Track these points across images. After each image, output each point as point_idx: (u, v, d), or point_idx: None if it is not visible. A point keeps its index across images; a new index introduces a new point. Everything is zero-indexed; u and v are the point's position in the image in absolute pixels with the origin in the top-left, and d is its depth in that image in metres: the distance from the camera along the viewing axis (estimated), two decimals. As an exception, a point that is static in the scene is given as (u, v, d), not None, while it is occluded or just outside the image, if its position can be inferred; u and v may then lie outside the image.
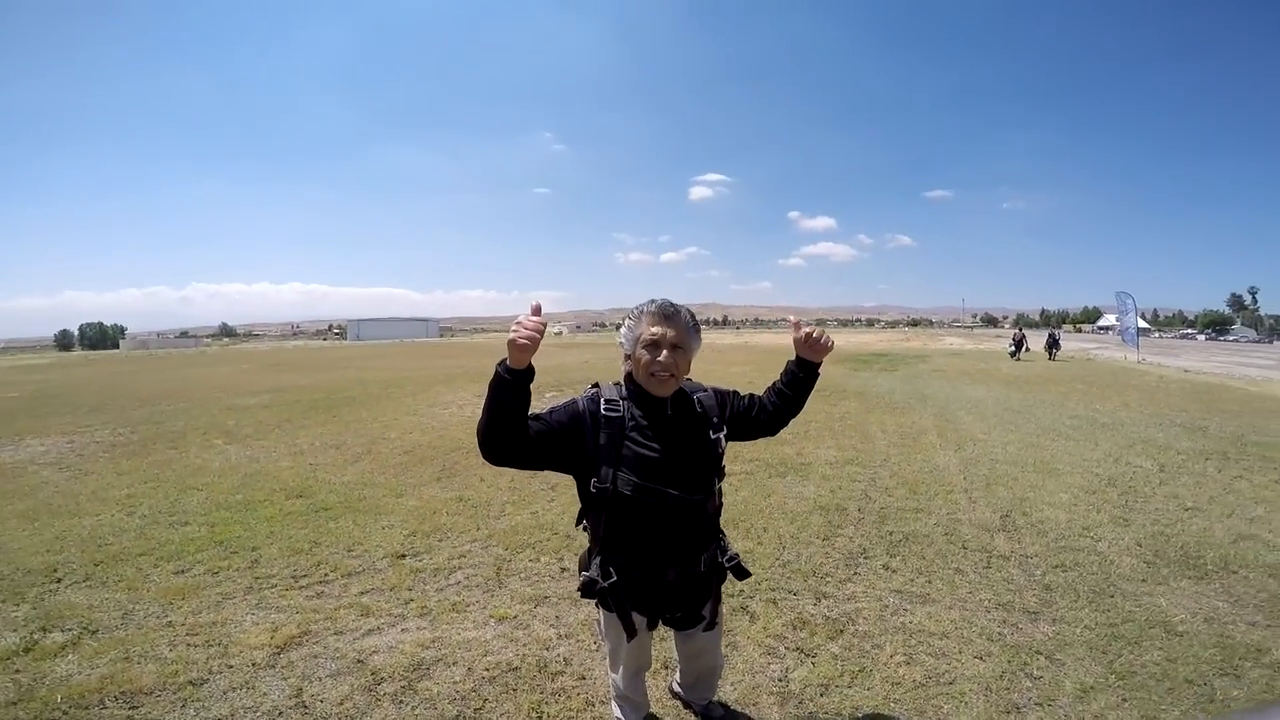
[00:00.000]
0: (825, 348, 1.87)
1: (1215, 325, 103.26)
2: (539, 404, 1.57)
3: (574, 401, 1.74)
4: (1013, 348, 23.59)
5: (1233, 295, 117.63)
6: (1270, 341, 70.66)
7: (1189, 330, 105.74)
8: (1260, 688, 2.43)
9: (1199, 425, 8.32)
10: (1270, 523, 4.37)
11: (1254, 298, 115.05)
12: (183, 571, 3.53)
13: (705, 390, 1.89)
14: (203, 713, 2.29)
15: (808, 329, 1.86)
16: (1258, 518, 4.48)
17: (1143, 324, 27.96)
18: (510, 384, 1.50)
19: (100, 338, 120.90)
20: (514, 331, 1.47)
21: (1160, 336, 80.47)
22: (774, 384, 1.97)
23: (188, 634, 2.84)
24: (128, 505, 4.73)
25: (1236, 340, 70.37)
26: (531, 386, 1.55)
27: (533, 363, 1.52)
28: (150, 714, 2.28)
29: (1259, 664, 2.60)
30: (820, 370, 1.94)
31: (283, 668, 2.58)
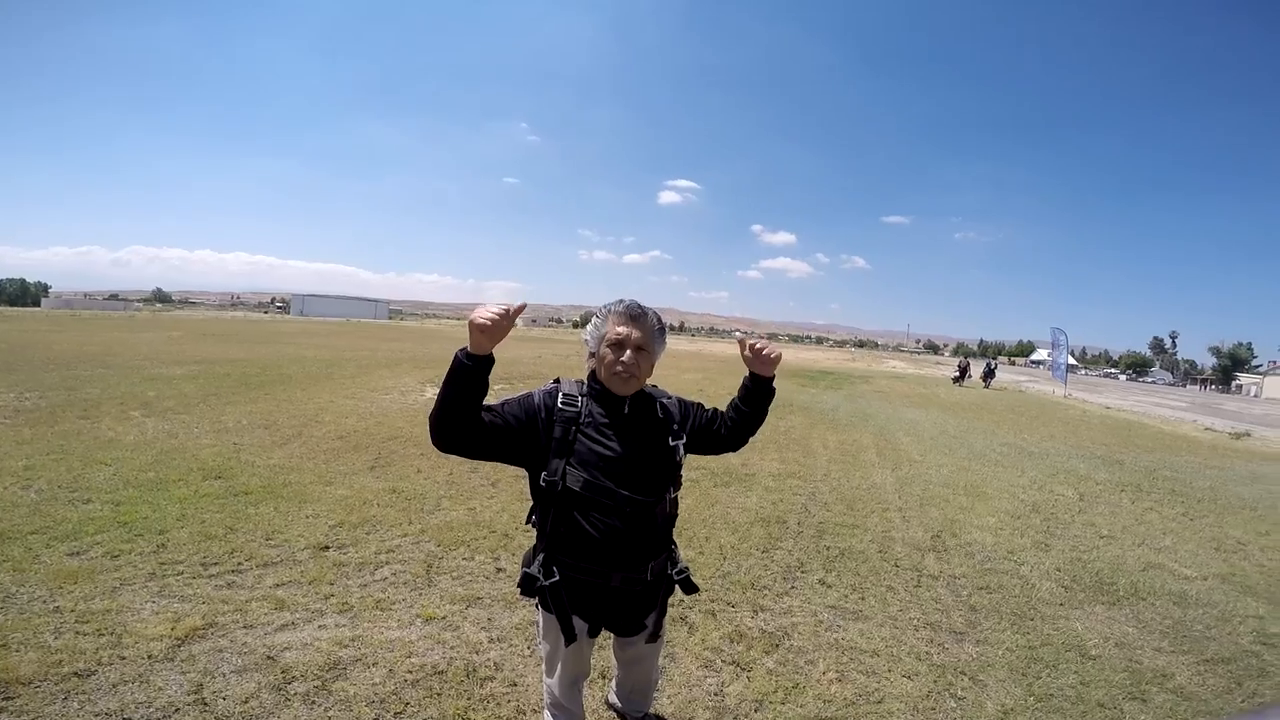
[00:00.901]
0: (771, 360, 1.84)
1: (1136, 367, 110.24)
2: (489, 395, 1.50)
3: (530, 395, 1.73)
4: (957, 374, 25.64)
5: (1155, 338, 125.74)
6: (1184, 385, 75.88)
7: (1112, 370, 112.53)
8: (1164, 712, 2.55)
9: (1116, 459, 8.83)
10: (1177, 553, 4.65)
11: (1174, 342, 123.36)
12: (78, 553, 3.23)
13: (670, 398, 1.88)
14: (88, 707, 2.08)
15: (752, 343, 1.84)
16: (1165, 548, 4.77)
17: (1071, 361, 29.70)
18: (469, 370, 1.48)
19: (21, 294, 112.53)
20: (477, 313, 1.46)
21: (1086, 374, 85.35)
22: (733, 400, 1.95)
23: (77, 621, 2.59)
24: (24, 478, 4.32)
25: (1154, 382, 75.37)
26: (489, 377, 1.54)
27: (493, 353, 1.52)
28: (27, 706, 2.06)
29: (1164, 689, 2.74)
30: (774, 385, 1.91)
31: (182, 661, 2.38)
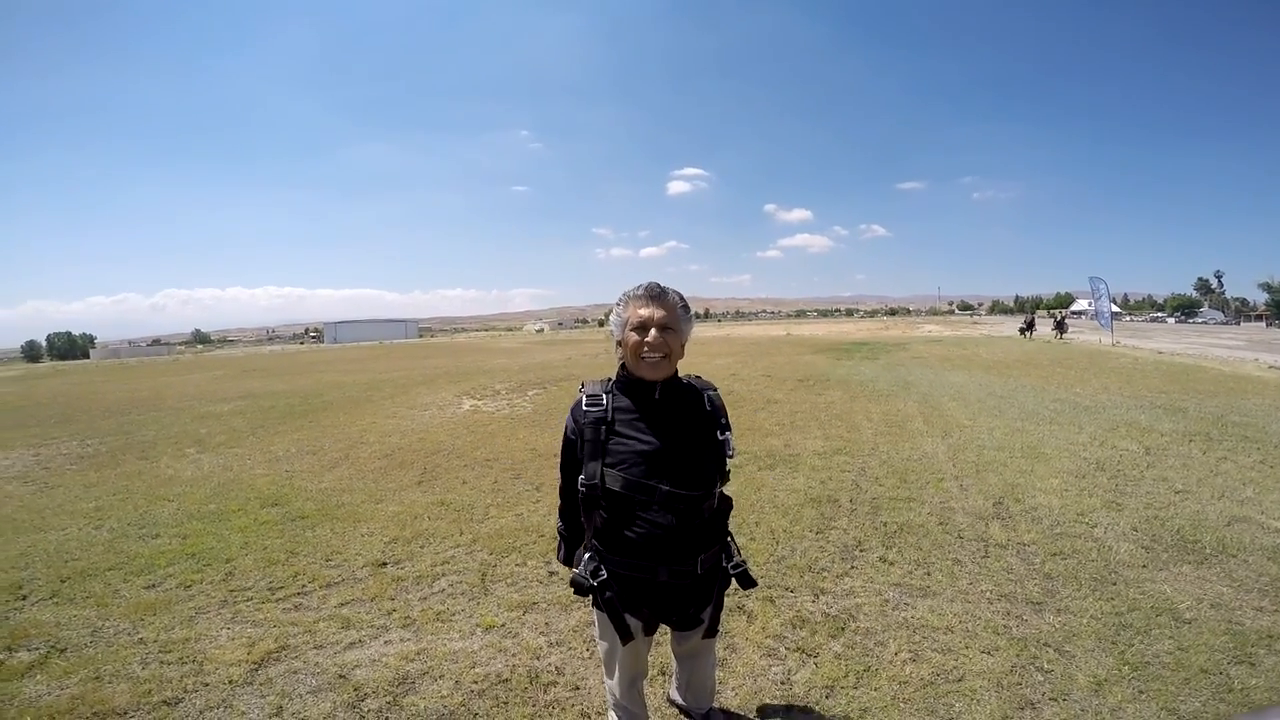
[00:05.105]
0: None
1: (1184, 308, 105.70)
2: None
3: (564, 431, 1.77)
4: (1024, 327, 29.16)
5: (1200, 279, 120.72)
6: (1237, 323, 72.32)
7: (1159, 313, 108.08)
8: (1277, 676, 2.37)
9: (1179, 406, 8.41)
10: (1261, 504, 4.36)
11: (1219, 281, 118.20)
12: (154, 586, 3.37)
13: (715, 390, 1.82)
14: (178, 736, 2.15)
15: None
16: (1248, 499, 4.47)
17: (1115, 308, 28.87)
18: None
19: (69, 347, 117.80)
20: None
21: (1131, 320, 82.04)
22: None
23: (160, 651, 2.70)
24: (95, 518, 4.52)
25: (1205, 322, 72.04)
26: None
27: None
28: (121, 739, 2.14)
29: (1273, 651, 2.54)
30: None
31: (261, 684, 2.45)
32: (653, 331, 1.63)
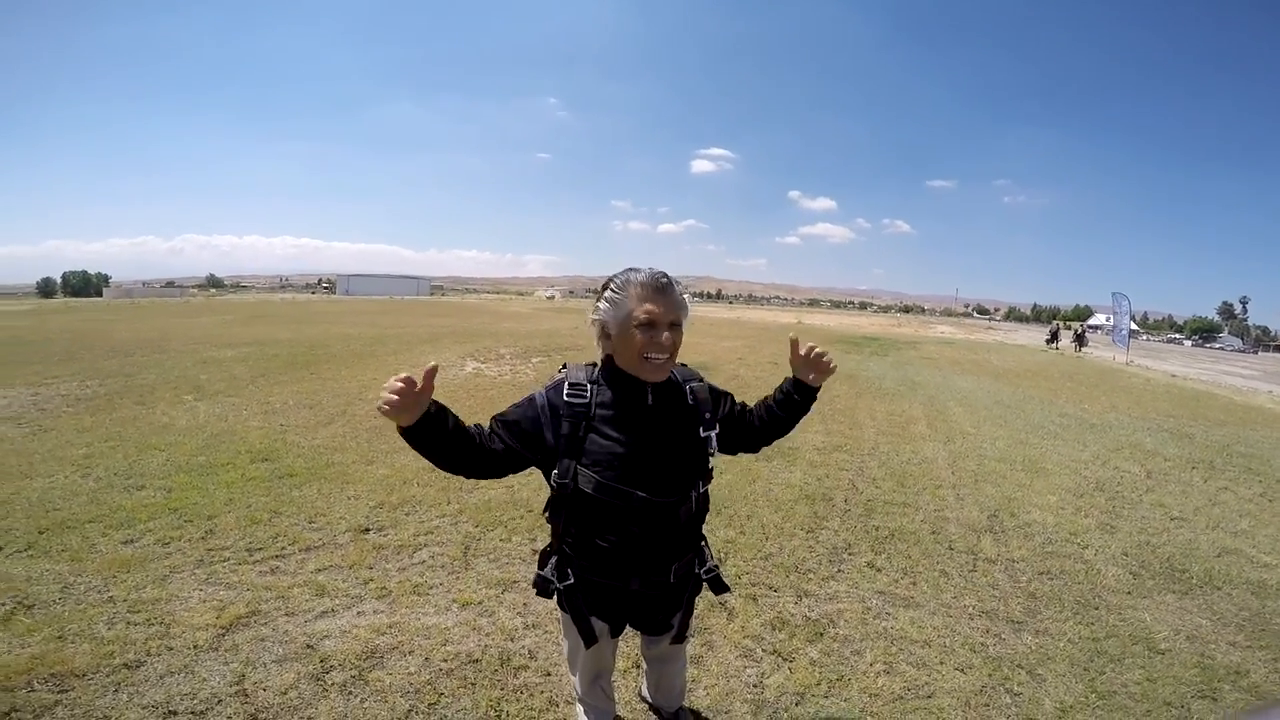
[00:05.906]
0: (827, 368, 1.67)
1: (1202, 332, 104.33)
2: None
3: (532, 398, 1.57)
4: (1049, 337, 29.01)
5: (1224, 303, 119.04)
6: (1255, 351, 71.19)
7: (1176, 335, 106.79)
8: (1236, 711, 2.39)
9: (1186, 432, 8.29)
10: (1254, 537, 4.31)
11: (1244, 307, 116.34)
12: (131, 541, 3.32)
13: (700, 381, 1.69)
14: (136, 699, 2.13)
15: (811, 346, 1.66)
16: (1242, 531, 4.42)
17: (1132, 326, 28.57)
18: (414, 437, 1.39)
19: (84, 285, 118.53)
20: (380, 398, 1.32)
21: (1148, 340, 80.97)
22: (766, 400, 1.77)
23: (129, 611, 2.66)
24: (84, 466, 4.49)
25: (1222, 348, 70.91)
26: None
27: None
28: (80, 699, 2.11)
29: (1237, 687, 2.55)
30: (819, 395, 1.73)
31: (226, 651, 2.42)
32: (665, 333, 1.48)
